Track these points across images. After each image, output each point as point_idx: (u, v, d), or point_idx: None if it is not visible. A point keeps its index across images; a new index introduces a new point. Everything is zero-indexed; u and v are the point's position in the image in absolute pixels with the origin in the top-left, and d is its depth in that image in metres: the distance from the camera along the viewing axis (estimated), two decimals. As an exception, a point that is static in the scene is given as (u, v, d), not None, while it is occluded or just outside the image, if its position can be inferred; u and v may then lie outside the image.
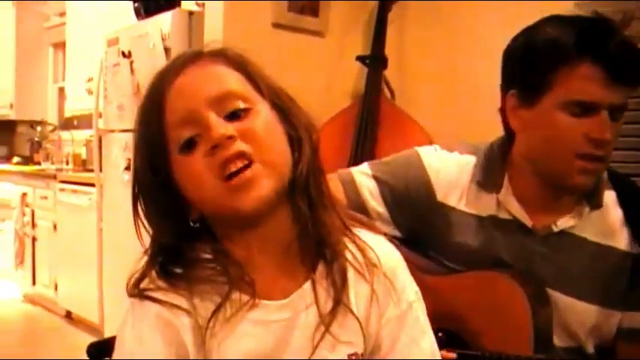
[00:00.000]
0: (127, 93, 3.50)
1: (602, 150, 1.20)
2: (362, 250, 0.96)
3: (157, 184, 0.91)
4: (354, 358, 0.94)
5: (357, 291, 0.95)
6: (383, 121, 2.70)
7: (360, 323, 0.93)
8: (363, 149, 2.62)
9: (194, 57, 0.92)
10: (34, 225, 5.05)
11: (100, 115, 3.90)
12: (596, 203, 1.30)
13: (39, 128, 6.18)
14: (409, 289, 1.00)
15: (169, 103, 0.89)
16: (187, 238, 0.92)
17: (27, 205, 5.14)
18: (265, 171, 0.87)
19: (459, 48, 2.76)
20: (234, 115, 0.89)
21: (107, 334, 3.80)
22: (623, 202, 1.31)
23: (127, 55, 3.43)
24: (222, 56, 0.93)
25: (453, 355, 1.24)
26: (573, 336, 1.31)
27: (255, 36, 2.74)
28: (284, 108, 0.93)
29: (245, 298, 0.90)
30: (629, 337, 1.30)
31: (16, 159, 6.13)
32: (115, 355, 0.92)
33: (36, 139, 6.19)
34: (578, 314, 1.29)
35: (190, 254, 0.92)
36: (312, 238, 0.93)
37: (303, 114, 0.95)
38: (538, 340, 1.21)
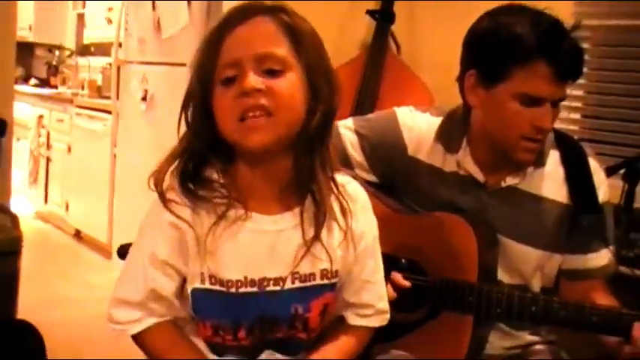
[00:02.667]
0: (148, 28, 3.67)
1: (542, 135, 1.42)
2: (341, 199, 1.18)
3: (201, 100, 1.12)
4: (325, 273, 1.18)
5: (336, 226, 1.18)
6: (386, 74, 2.88)
7: (330, 251, 1.17)
8: (365, 99, 2.80)
9: (254, 12, 1.11)
10: (48, 146, 5.25)
11: (120, 45, 4.08)
12: (539, 163, 1.50)
13: (57, 52, 6.35)
14: (373, 225, 1.25)
15: (225, 47, 1.09)
16: (212, 149, 1.14)
17: (43, 127, 5.34)
18: (275, 124, 1.08)
19: (467, 8, 2.90)
20: (269, 72, 1.08)
21: (115, 254, 4.05)
22: (565, 161, 1.51)
23: (149, -9, 3.60)
24: (277, 18, 1.11)
25: (408, 283, 1.47)
26: (520, 275, 1.53)
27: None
28: (314, 78, 1.12)
29: (241, 211, 1.13)
30: (568, 276, 1.54)
31: (33, 81, 6.30)
32: (134, 242, 1.18)
33: (53, 63, 6.35)
34: (523, 256, 1.51)
35: (203, 173, 1.14)
36: (305, 182, 1.15)
37: (331, 87, 1.14)
38: (483, 272, 1.43)
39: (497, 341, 1.53)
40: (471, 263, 1.43)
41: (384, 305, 1.28)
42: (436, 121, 1.58)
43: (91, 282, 3.94)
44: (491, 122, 1.46)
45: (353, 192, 1.22)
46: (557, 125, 2.48)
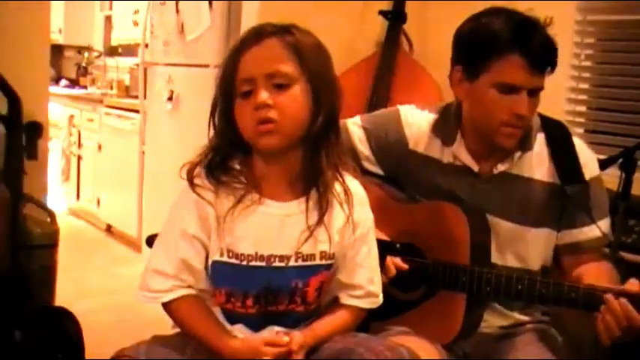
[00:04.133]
0: (172, 31, 3.83)
1: (521, 121, 1.56)
2: (344, 189, 1.38)
3: (224, 107, 1.35)
4: (324, 254, 1.37)
5: (336, 214, 1.37)
6: (399, 72, 3.01)
7: (329, 236, 1.35)
8: (378, 95, 2.94)
9: (264, 35, 1.32)
10: (79, 145, 5.43)
11: (147, 46, 4.24)
12: (525, 147, 1.63)
13: (86, 54, 6.51)
14: (368, 217, 1.44)
15: (241, 65, 1.31)
16: (234, 146, 1.35)
17: (74, 126, 5.51)
18: (281, 131, 1.29)
19: (476, 8, 3.01)
20: (278, 86, 1.29)
21: (144, 246, 4.22)
22: (549, 141, 1.65)
23: (173, -5, 3.75)
24: (283, 39, 1.32)
25: (406, 265, 1.62)
26: (519, 256, 1.66)
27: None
28: (317, 87, 1.32)
29: (256, 196, 1.33)
30: (566, 251, 1.67)
31: (63, 82, 6.49)
32: (165, 222, 1.39)
33: (83, 64, 6.53)
34: (520, 237, 1.65)
35: (227, 163, 1.35)
36: (312, 174, 1.35)
37: (333, 93, 1.34)
38: (475, 255, 1.57)
39: (491, 319, 1.67)
40: (463, 247, 1.57)
41: (375, 289, 1.45)
42: (431, 118, 1.73)
43: (121, 274, 4.12)
44: (475, 112, 1.61)
45: (353, 187, 1.40)
46: (564, 118, 2.62)
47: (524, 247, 1.66)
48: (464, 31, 1.62)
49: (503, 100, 1.54)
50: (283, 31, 1.33)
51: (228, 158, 1.36)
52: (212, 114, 1.36)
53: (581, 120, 2.80)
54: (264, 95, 1.28)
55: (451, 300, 1.58)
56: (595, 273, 1.57)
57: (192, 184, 1.34)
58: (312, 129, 1.32)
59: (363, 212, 1.43)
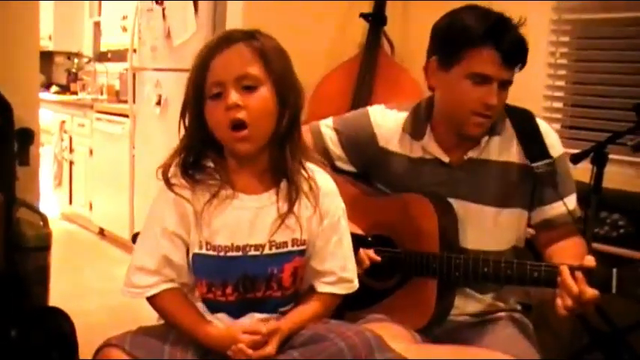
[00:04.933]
0: (160, 36, 3.90)
1: (490, 111, 1.64)
2: (310, 181, 1.46)
3: (195, 108, 1.41)
4: (295, 241, 1.45)
5: (304, 204, 1.45)
6: (380, 72, 3.10)
7: (300, 224, 1.44)
8: (361, 95, 3.02)
9: (233, 40, 1.39)
10: (71, 150, 5.47)
11: (135, 51, 4.31)
12: (493, 132, 1.72)
13: (75, 60, 6.55)
14: (338, 207, 1.52)
15: (211, 68, 1.38)
16: (205, 145, 1.43)
17: (65, 132, 5.54)
18: (253, 133, 1.37)
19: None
20: (246, 87, 1.37)
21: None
22: (515, 124, 1.73)
23: (159, 3, 3.82)
24: (250, 44, 1.39)
25: (379, 258, 1.70)
26: (493, 238, 1.73)
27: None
28: (281, 89, 1.40)
29: (230, 191, 1.41)
30: (541, 227, 1.75)
31: (54, 88, 6.53)
32: (145, 221, 1.47)
33: (73, 69, 6.57)
34: (494, 219, 1.72)
35: (200, 162, 1.43)
36: (279, 169, 1.44)
37: (295, 94, 1.43)
38: (444, 241, 1.66)
39: (462, 306, 1.74)
40: (432, 234, 1.66)
41: (348, 275, 1.52)
42: (402, 116, 1.80)
43: (114, 275, 4.17)
44: (447, 101, 1.70)
45: (320, 178, 1.49)
46: (541, 114, 2.71)
47: (496, 228, 1.73)
48: (441, 24, 1.70)
49: (475, 91, 1.62)
50: (249, 36, 1.41)
51: (201, 157, 1.44)
52: (182, 115, 1.44)
53: (558, 116, 2.89)
54: (234, 97, 1.36)
55: (423, 287, 1.66)
56: (562, 251, 1.67)
57: (168, 184, 1.41)
58: (278, 128, 1.41)
59: (333, 203, 1.50)
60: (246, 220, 1.42)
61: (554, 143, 1.73)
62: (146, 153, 4.19)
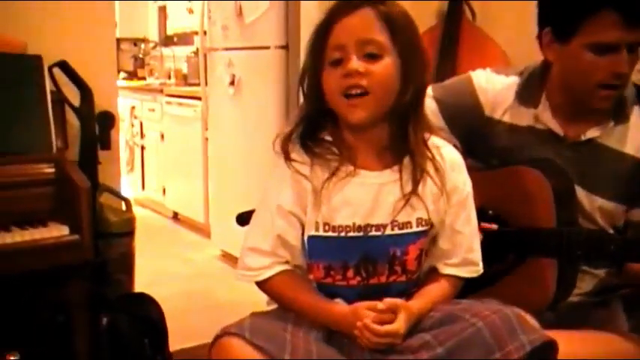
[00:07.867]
0: (230, 15, 3.83)
1: (620, 80, 1.49)
2: (435, 162, 1.35)
3: (314, 76, 1.34)
4: (420, 221, 1.35)
5: (430, 182, 1.35)
6: (463, 41, 2.97)
7: (424, 204, 1.33)
8: (444, 66, 2.90)
9: (358, 5, 1.30)
10: (142, 135, 5.51)
11: (205, 33, 4.26)
12: (620, 118, 1.56)
13: (142, 45, 6.61)
14: (466, 182, 1.40)
15: (333, 33, 1.30)
16: (321, 115, 1.35)
17: (135, 117, 5.59)
18: (371, 102, 1.29)
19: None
20: (369, 55, 1.28)
21: (212, 231, 4.27)
22: None
23: (229, -20, 3.75)
24: (377, 9, 1.30)
25: (494, 226, 1.58)
26: (594, 224, 1.59)
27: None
28: (406, 61, 1.30)
29: (350, 167, 1.32)
30: (635, 228, 1.60)
31: (121, 74, 6.58)
32: (260, 199, 1.38)
33: (139, 55, 6.63)
34: (598, 206, 1.58)
35: (318, 134, 1.35)
36: (400, 146, 1.34)
37: (421, 66, 1.33)
38: (562, 219, 1.51)
39: (578, 284, 1.58)
40: (547, 212, 1.52)
41: (474, 257, 1.41)
42: (511, 81, 1.66)
43: (192, 259, 4.18)
44: (569, 75, 1.55)
45: (446, 153, 1.38)
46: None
47: (600, 216, 1.60)
48: None
49: (600, 61, 1.47)
50: (377, 1, 1.31)
51: (318, 129, 1.36)
52: (301, 82, 1.37)
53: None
54: (355, 63, 1.28)
55: (540, 266, 1.53)
56: None
57: (288, 159, 1.34)
58: (400, 102, 1.31)
59: (460, 177, 1.40)
60: (368, 198, 1.33)
61: None
62: (219, 135, 4.15)
